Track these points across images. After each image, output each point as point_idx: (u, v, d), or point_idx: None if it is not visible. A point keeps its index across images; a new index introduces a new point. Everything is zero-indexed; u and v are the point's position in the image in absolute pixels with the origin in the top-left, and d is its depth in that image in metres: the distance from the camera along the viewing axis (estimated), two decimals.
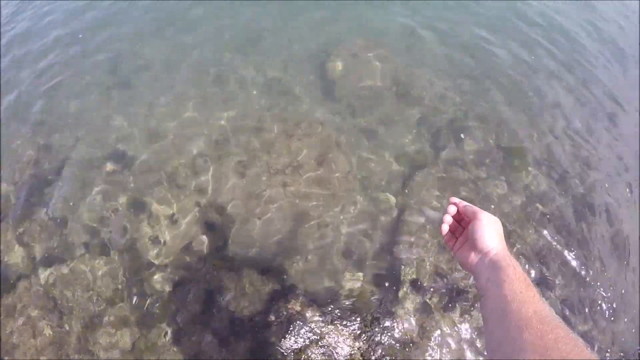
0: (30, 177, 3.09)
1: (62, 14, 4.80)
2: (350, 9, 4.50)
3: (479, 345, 2.37)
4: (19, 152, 3.27)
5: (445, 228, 0.98)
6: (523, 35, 4.61)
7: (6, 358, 2.38)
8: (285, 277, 2.42)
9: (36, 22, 4.73)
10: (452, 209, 0.97)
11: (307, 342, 2.08)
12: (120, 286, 2.49)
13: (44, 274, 2.60)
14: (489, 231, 0.88)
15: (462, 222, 0.99)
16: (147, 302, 2.40)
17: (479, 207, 0.94)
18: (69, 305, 2.49)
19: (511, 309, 0.72)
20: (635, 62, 4.84)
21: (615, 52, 4.88)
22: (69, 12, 4.81)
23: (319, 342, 2.08)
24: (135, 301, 2.41)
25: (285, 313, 2.18)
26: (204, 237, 2.62)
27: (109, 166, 3.03)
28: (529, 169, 3.25)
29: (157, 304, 2.37)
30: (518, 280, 0.77)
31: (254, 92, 3.57)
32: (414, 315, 2.38)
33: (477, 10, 4.81)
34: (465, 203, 0.96)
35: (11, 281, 2.63)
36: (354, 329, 2.21)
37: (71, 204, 2.87)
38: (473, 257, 0.89)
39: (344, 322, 2.23)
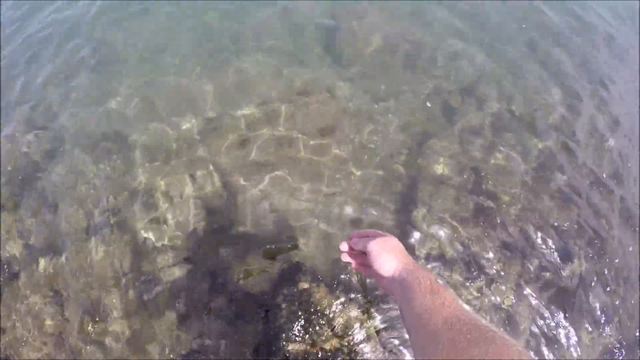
0: (23, 164, 2.98)
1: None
2: None
3: (496, 318, 2.27)
4: (10, 139, 3.16)
5: (346, 258, 1.03)
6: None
7: (9, 351, 2.31)
8: (291, 254, 2.30)
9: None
10: (344, 247, 1.02)
11: (317, 320, 1.98)
12: (121, 272, 2.39)
13: (42, 264, 2.51)
14: (382, 259, 0.90)
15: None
16: (150, 286, 2.30)
17: (376, 230, 1.02)
18: (69, 295, 2.40)
19: (421, 323, 0.73)
20: None
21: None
22: None
23: (329, 320, 1.98)
24: (138, 286, 2.31)
25: (293, 291, 2.07)
26: (206, 217, 2.50)
27: (103, 148, 2.90)
28: (543, 136, 3.10)
29: (160, 288, 2.27)
30: (424, 294, 0.77)
31: (257, 59, 3.36)
32: None
33: None
34: (356, 239, 0.99)
35: (9, 272, 2.55)
36: (367, 305, 2.11)
37: (66, 189, 2.76)
38: (384, 281, 0.91)
39: (355, 299, 2.12)
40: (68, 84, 3.47)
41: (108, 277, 2.39)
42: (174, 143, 2.87)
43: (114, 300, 2.31)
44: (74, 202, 2.68)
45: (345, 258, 1.02)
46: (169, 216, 2.51)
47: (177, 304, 2.21)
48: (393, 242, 0.95)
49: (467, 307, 2.28)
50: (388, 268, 0.89)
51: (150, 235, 2.45)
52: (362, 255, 0.98)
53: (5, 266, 2.58)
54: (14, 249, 2.63)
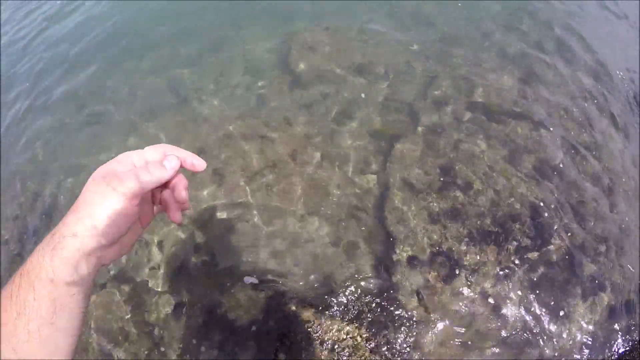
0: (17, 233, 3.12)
1: None
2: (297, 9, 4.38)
3: (482, 311, 2.33)
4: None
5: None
6: None
7: None
8: (278, 279, 2.40)
9: None
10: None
11: (309, 341, 2.07)
12: (124, 320, 2.49)
13: None
14: None
15: None
16: (150, 330, 2.40)
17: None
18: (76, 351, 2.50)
19: None
20: None
21: None
22: None
23: (320, 339, 2.07)
24: (138, 333, 2.42)
25: (283, 315, 2.17)
26: (193, 255, 2.60)
27: None
28: (508, 120, 3.19)
29: (159, 331, 2.37)
30: None
31: (215, 103, 3.47)
32: (416, 294, 2.35)
33: None
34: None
35: None
36: (355, 320, 2.20)
37: None
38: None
39: (344, 315, 2.21)
40: (40, 142, 3.59)
41: (112, 327, 2.48)
42: None
43: (121, 349, 2.41)
44: None
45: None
46: (160, 261, 2.61)
47: (177, 342, 2.32)
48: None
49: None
50: None
51: (145, 282, 2.56)
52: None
53: None
54: None
